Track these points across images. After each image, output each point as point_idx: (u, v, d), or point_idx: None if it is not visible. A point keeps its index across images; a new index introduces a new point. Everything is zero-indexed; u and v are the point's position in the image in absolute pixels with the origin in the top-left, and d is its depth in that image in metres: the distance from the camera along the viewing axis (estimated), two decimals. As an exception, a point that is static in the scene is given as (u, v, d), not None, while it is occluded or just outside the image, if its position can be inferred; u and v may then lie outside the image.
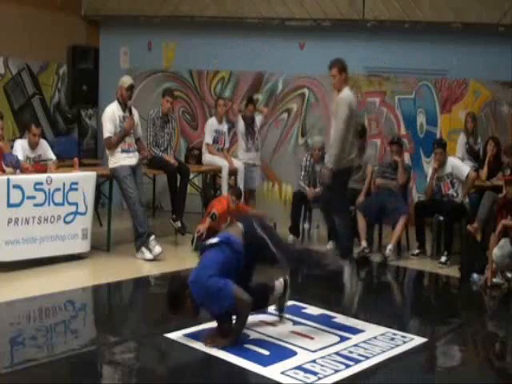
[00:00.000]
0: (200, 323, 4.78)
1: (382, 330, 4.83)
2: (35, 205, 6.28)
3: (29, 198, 6.22)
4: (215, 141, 8.75)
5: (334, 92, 6.70)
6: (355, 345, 4.50)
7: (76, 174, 6.81)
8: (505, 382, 4.40)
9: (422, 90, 9.38)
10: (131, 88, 7.03)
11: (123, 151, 6.95)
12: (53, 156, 7.20)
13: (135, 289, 6.31)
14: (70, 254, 6.64)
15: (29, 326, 4.93)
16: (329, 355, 4.29)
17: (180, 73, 10.05)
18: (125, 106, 7.01)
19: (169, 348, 4.50)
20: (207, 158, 8.74)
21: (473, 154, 8.32)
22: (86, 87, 9.20)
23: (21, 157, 6.85)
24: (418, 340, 4.69)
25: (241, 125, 8.80)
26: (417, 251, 7.47)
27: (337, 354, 4.33)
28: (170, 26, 9.91)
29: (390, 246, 7.22)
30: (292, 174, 9.06)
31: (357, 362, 4.21)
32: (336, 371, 4.04)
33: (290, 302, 5.41)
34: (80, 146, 9.63)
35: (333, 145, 6.42)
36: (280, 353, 4.29)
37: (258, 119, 8.90)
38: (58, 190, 6.47)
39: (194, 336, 4.53)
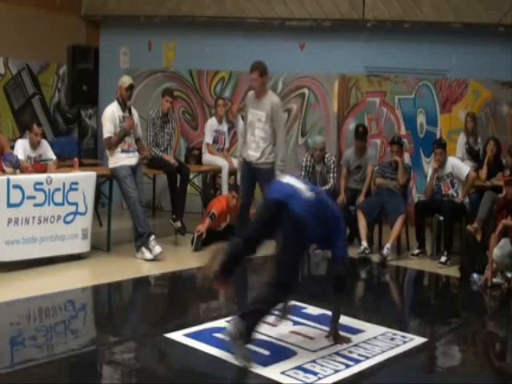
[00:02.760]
0: (200, 323, 4.79)
1: (382, 329, 4.83)
2: (35, 205, 6.27)
3: (29, 197, 6.21)
4: (215, 141, 8.76)
5: (251, 96, 6.77)
6: (355, 345, 4.49)
7: (76, 174, 6.81)
8: (505, 382, 4.40)
9: (422, 90, 9.38)
10: (131, 88, 7.02)
11: (123, 151, 6.95)
12: (53, 156, 7.20)
13: (135, 289, 6.31)
14: (70, 253, 6.64)
15: (29, 326, 4.93)
16: (329, 355, 4.29)
17: (180, 73, 10.05)
18: (124, 106, 7.00)
19: (169, 348, 4.50)
20: (207, 158, 8.75)
21: (473, 154, 8.32)
22: (86, 87, 9.19)
23: (22, 156, 6.86)
24: (418, 340, 4.69)
25: (241, 125, 8.80)
26: (417, 251, 7.47)
27: (337, 354, 4.32)
28: (170, 26, 9.91)
29: (387, 245, 7.22)
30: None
31: (357, 361, 4.21)
32: (336, 371, 4.04)
33: (290, 302, 5.43)
34: (80, 145, 9.62)
35: (280, 149, 6.76)
36: (280, 353, 4.29)
37: None
38: (58, 189, 6.47)
39: (194, 336, 4.53)
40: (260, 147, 6.71)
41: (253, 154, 6.76)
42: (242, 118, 8.78)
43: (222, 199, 7.82)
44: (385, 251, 7.18)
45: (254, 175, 6.80)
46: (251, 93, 6.86)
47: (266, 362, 4.13)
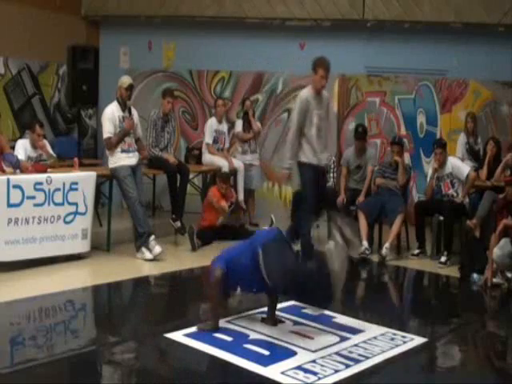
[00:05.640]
0: (200, 323, 4.79)
1: (382, 329, 4.83)
2: (35, 205, 6.28)
3: (29, 197, 6.22)
4: (215, 141, 8.76)
5: (310, 96, 6.40)
6: (355, 345, 4.50)
7: (76, 174, 6.81)
8: (505, 382, 4.39)
9: (422, 90, 9.38)
10: (130, 88, 7.02)
11: (123, 151, 6.95)
12: (53, 153, 7.25)
13: (135, 289, 6.31)
14: (70, 253, 6.65)
15: (29, 326, 4.92)
16: (329, 355, 4.29)
17: (180, 73, 10.05)
18: (124, 106, 7.00)
19: (169, 348, 4.50)
20: (207, 157, 8.75)
21: (473, 154, 8.32)
22: (85, 87, 9.19)
23: (22, 157, 6.86)
24: (418, 340, 4.69)
25: (239, 128, 8.86)
26: (417, 251, 7.47)
27: (337, 354, 4.32)
28: (170, 25, 9.91)
29: (386, 245, 7.23)
30: (292, 174, 9.04)
31: (357, 361, 4.21)
32: (336, 371, 4.04)
33: (290, 302, 5.44)
34: (80, 145, 9.62)
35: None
36: (280, 353, 4.29)
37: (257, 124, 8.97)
38: (58, 189, 6.48)
39: (194, 336, 4.53)
40: (327, 146, 6.59)
41: (325, 156, 6.57)
42: (247, 115, 8.85)
43: (213, 189, 7.93)
44: (384, 251, 7.19)
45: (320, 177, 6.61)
46: (309, 93, 6.42)
47: (266, 362, 4.13)
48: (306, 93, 6.45)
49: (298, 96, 6.62)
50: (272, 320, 4.81)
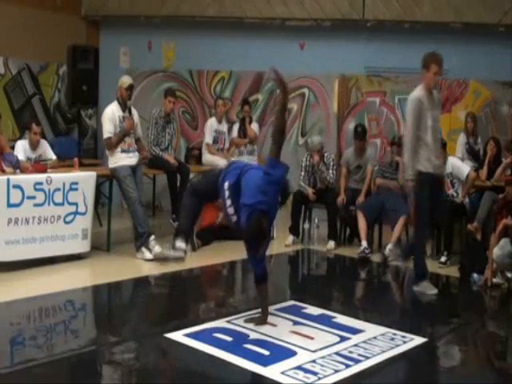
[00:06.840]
0: (200, 323, 4.80)
1: (382, 329, 4.83)
2: (35, 205, 6.27)
3: (29, 197, 6.21)
4: (215, 141, 8.76)
5: (423, 96, 5.83)
6: (355, 345, 4.50)
7: (76, 174, 6.81)
8: (505, 382, 4.39)
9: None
10: (131, 88, 7.02)
11: (123, 151, 6.95)
12: (53, 156, 7.22)
13: (135, 289, 6.31)
14: (70, 254, 6.64)
15: (29, 326, 4.92)
16: (329, 355, 4.29)
17: (180, 73, 10.05)
18: (125, 106, 7.00)
19: (169, 348, 4.50)
20: (207, 157, 8.75)
21: (473, 154, 8.32)
22: (85, 87, 9.19)
23: (22, 157, 6.86)
24: (418, 340, 4.68)
25: (235, 133, 8.84)
26: (417, 251, 7.46)
27: (337, 354, 4.32)
28: (170, 25, 9.92)
29: (389, 246, 7.22)
30: (292, 173, 9.03)
31: (357, 362, 4.21)
32: (336, 371, 4.04)
33: (290, 302, 5.44)
34: (80, 146, 9.62)
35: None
36: (280, 353, 4.29)
37: (255, 125, 8.94)
38: (58, 189, 6.47)
39: (194, 336, 4.53)
40: (441, 151, 6.13)
41: (441, 162, 6.13)
42: (244, 120, 8.80)
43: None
44: (387, 252, 7.17)
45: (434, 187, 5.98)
46: (421, 93, 5.85)
47: (266, 362, 4.13)
48: (417, 93, 5.90)
49: (408, 98, 6.01)
50: (263, 314, 4.87)
